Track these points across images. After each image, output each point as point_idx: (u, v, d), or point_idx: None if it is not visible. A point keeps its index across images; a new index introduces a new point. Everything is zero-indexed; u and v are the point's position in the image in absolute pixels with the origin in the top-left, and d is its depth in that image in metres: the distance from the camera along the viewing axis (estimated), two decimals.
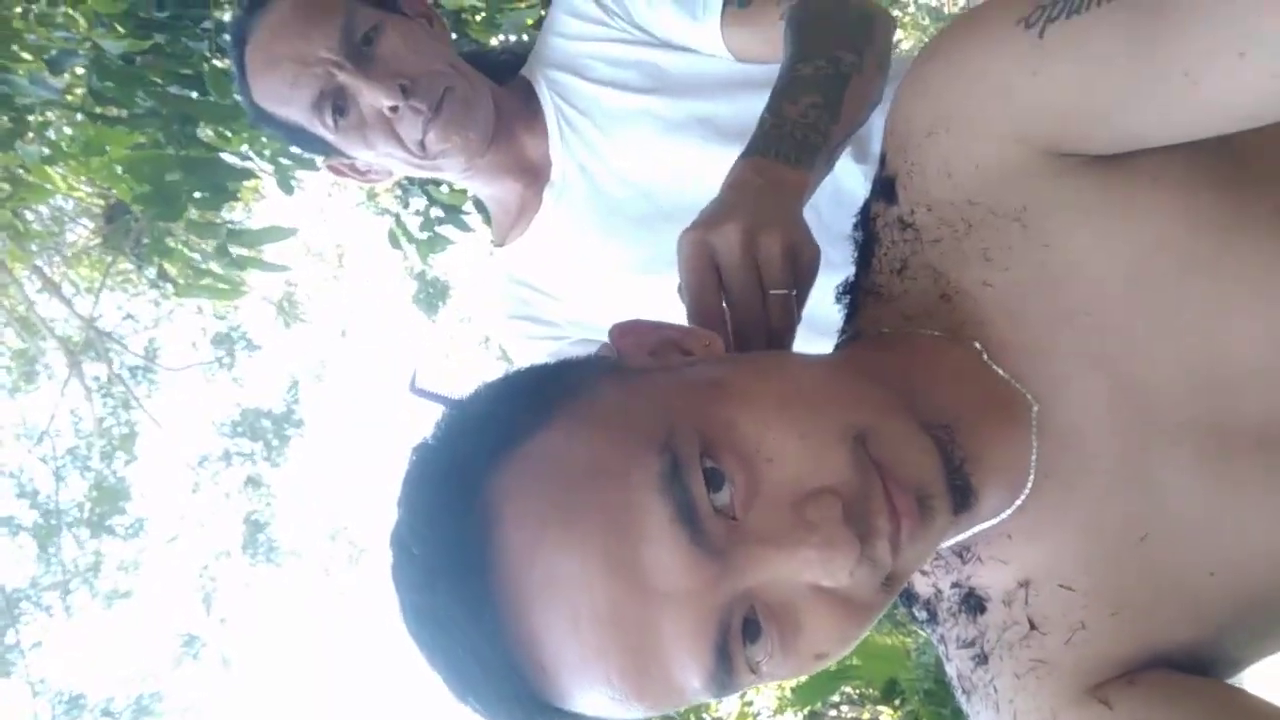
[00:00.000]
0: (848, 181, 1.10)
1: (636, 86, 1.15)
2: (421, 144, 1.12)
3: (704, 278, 0.68)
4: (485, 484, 0.49)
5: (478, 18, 2.88)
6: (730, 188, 0.75)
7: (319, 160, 1.28)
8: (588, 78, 1.17)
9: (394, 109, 1.09)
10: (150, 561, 10.65)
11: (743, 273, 0.67)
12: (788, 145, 0.79)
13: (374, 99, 1.08)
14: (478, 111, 1.14)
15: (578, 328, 1.27)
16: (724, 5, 1.08)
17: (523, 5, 2.91)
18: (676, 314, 0.68)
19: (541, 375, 0.56)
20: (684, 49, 1.14)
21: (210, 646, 10.80)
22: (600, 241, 1.20)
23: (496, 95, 1.18)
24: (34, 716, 9.57)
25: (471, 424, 0.53)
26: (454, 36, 1.99)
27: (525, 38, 2.85)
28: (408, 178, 1.98)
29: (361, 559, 11.41)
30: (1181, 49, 0.46)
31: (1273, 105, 0.46)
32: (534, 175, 1.22)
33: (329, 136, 1.13)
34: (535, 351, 1.27)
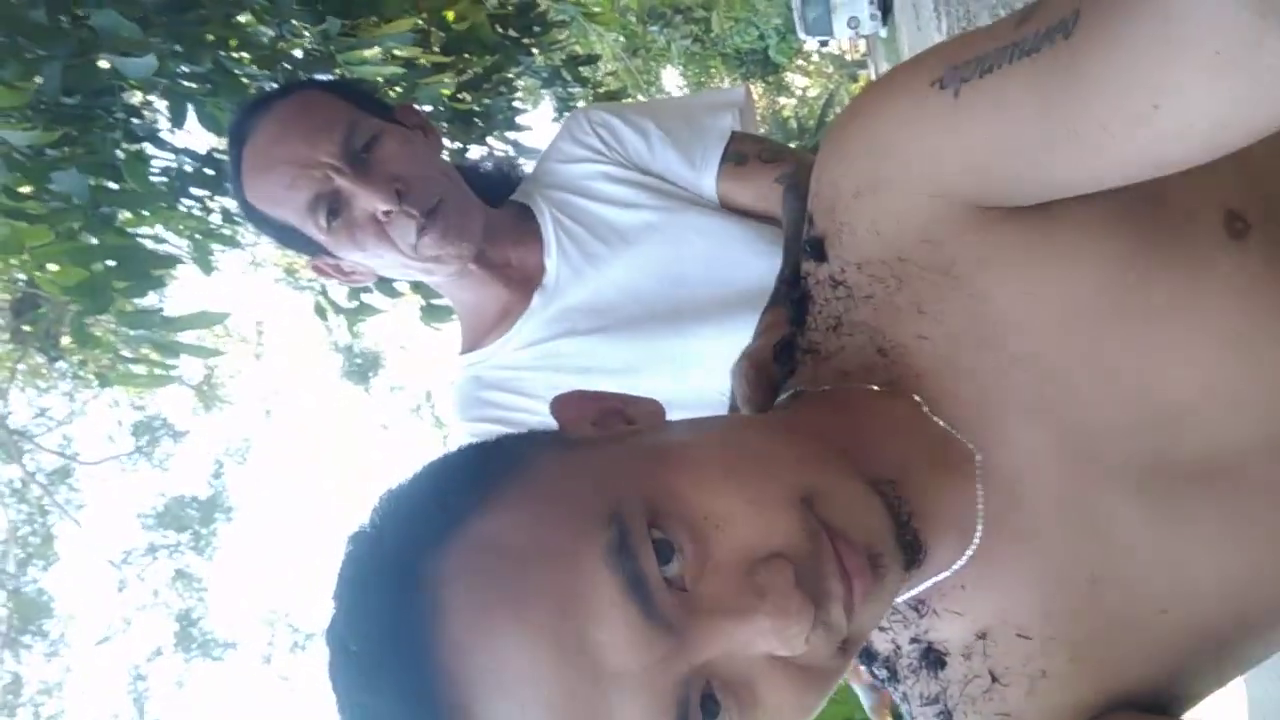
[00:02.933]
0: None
1: (637, 203, 1.25)
2: (415, 247, 1.16)
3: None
4: (424, 572, 0.47)
5: (396, 89, 2.90)
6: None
7: (305, 259, 1.29)
8: (590, 195, 1.26)
9: (388, 213, 1.13)
10: (77, 667, 10.09)
11: None
12: None
13: (369, 203, 1.12)
14: (470, 220, 1.20)
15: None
16: (721, 161, 1.22)
17: (443, 79, 2.93)
18: None
19: (480, 453, 0.54)
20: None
21: None
22: (584, 340, 1.25)
23: (486, 211, 1.25)
24: None
25: (408, 509, 0.51)
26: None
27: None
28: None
29: (304, 644, 10.99)
30: (1096, 104, 0.46)
31: (1187, 153, 0.46)
32: (522, 283, 1.28)
33: (320, 237, 1.16)
34: None
